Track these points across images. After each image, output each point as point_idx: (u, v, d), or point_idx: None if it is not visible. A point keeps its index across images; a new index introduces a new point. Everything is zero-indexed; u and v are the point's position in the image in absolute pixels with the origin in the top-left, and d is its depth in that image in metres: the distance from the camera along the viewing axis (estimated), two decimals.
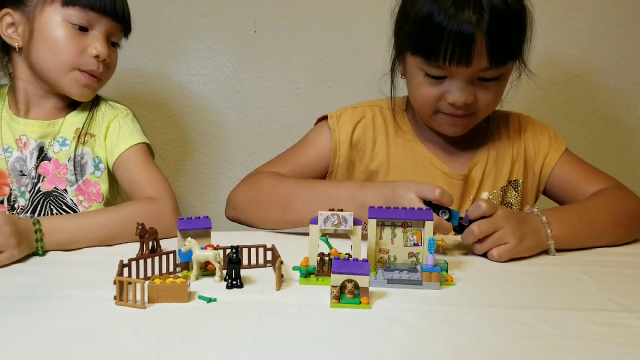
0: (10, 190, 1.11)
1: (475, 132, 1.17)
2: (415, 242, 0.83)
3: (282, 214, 1.03)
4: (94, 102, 1.19)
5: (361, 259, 0.73)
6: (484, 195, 0.96)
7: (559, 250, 0.94)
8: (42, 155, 1.13)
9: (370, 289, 0.72)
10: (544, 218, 0.94)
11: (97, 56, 1.08)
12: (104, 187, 1.15)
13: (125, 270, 0.74)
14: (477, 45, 0.97)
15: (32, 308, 0.69)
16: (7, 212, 1.11)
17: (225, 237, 0.90)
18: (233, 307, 0.70)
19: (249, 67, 1.68)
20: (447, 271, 0.82)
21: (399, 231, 0.83)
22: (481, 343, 0.62)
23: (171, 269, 0.81)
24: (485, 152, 1.18)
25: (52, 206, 1.12)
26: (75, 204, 1.13)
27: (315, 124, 1.24)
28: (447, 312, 0.70)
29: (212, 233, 0.84)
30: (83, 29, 1.07)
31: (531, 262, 0.91)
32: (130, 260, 0.75)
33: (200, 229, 0.82)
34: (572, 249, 0.96)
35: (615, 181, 1.14)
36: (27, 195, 1.11)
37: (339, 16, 1.65)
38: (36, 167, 1.12)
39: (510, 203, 1.18)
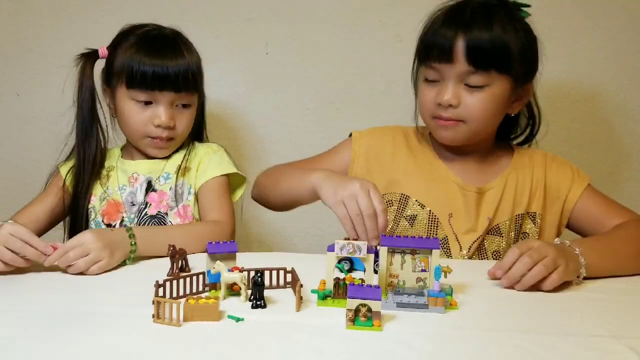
0: (123, 217, 1.30)
1: (496, 160, 1.28)
2: (423, 268, 0.90)
3: (273, 190, 1.28)
4: (192, 143, 1.39)
5: (373, 285, 0.81)
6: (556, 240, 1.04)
7: (586, 279, 1.00)
8: (150, 188, 1.32)
9: (382, 311, 0.80)
10: (577, 249, 1.01)
11: (159, 125, 1.26)
12: (195, 210, 1.33)
13: (160, 289, 0.81)
14: (456, 45, 1.13)
15: (79, 324, 0.77)
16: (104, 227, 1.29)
17: (248, 257, 0.98)
18: (259, 327, 0.77)
19: (260, 88, 1.75)
20: (451, 295, 0.89)
21: (408, 258, 0.90)
22: None
23: (200, 289, 0.88)
24: (504, 178, 1.26)
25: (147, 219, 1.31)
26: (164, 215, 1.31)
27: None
28: (450, 335, 0.77)
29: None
30: (148, 103, 1.26)
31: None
32: (165, 280, 0.83)
33: (227, 252, 0.90)
34: (600, 276, 1.03)
35: (636, 215, 1.21)
36: (136, 220, 1.30)
37: (347, 40, 1.72)
38: (144, 197, 1.31)
39: (527, 233, 1.25)
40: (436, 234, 1.23)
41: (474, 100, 1.16)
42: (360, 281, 0.87)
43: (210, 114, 1.74)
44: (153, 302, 0.77)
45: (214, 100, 1.74)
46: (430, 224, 1.24)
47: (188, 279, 0.87)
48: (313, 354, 0.71)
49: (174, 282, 0.85)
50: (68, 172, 1.34)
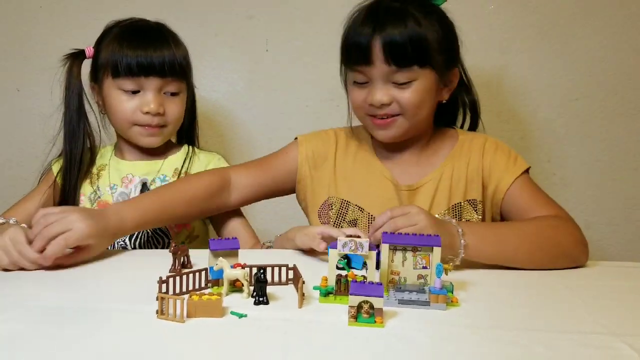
0: None
1: (436, 150, 1.29)
2: (424, 266, 0.91)
3: None
4: (191, 150, 1.40)
5: (375, 282, 0.82)
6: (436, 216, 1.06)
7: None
8: (144, 189, 1.30)
9: (384, 308, 0.80)
10: (459, 229, 1.02)
11: (148, 112, 1.26)
12: (195, 222, 1.35)
13: (164, 286, 0.82)
14: (372, 47, 1.15)
15: (82, 320, 0.77)
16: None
17: (251, 254, 0.98)
18: (261, 323, 0.78)
19: (259, 85, 1.76)
20: (452, 292, 0.90)
21: (409, 255, 0.91)
22: None
23: (203, 285, 0.89)
24: (440, 170, 1.27)
25: (147, 230, 1.29)
26: (167, 229, 1.32)
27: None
28: (451, 332, 0.77)
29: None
30: (135, 92, 1.26)
31: (529, 284, 0.99)
32: (168, 277, 0.83)
33: (229, 249, 0.90)
34: (484, 263, 1.04)
35: (561, 212, 1.18)
36: None
37: None
38: None
39: (469, 221, 1.25)
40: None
41: (404, 95, 1.18)
42: (362, 278, 0.87)
43: (209, 111, 1.75)
44: (157, 299, 0.78)
45: (214, 97, 1.76)
46: (370, 227, 1.24)
47: (191, 276, 0.87)
48: (315, 350, 0.71)
49: (177, 278, 0.85)
50: (59, 170, 1.34)
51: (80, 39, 1.37)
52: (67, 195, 1.31)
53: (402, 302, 0.85)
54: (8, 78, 1.79)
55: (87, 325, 0.76)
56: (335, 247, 0.87)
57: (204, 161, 1.38)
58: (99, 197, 1.32)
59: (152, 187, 1.32)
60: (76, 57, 1.32)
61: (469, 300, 0.89)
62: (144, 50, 1.24)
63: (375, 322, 0.78)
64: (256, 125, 1.78)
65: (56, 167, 1.35)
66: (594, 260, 1.13)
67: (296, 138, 1.36)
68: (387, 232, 0.92)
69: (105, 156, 1.38)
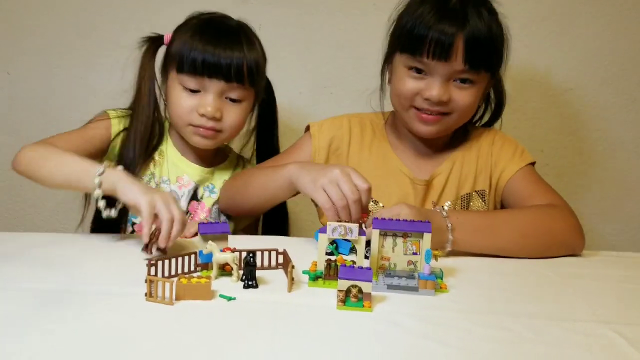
0: None
1: (448, 143, 1.28)
2: (414, 252, 0.91)
3: (245, 193, 1.22)
4: (240, 161, 1.39)
5: (365, 267, 0.82)
6: (446, 204, 1.06)
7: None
8: (195, 197, 1.30)
9: (372, 293, 0.80)
10: (448, 223, 1.02)
11: (203, 115, 1.20)
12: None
13: (152, 268, 0.82)
14: (455, 44, 1.11)
15: (73, 303, 0.77)
16: None
17: (238, 239, 0.98)
18: (250, 306, 0.78)
19: None
20: (442, 279, 0.90)
21: (399, 241, 0.91)
22: (469, 346, 0.70)
23: (192, 268, 0.89)
24: (452, 161, 1.27)
25: None
26: None
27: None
28: (439, 317, 0.78)
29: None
30: (196, 91, 1.20)
31: (517, 272, 0.99)
32: (157, 259, 0.83)
33: (219, 233, 0.90)
34: (474, 253, 1.04)
35: (559, 200, 1.18)
36: None
37: (342, 24, 1.71)
38: (187, 205, 1.29)
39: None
40: None
41: (462, 95, 1.16)
42: (351, 263, 0.88)
43: None
44: (145, 281, 0.77)
45: None
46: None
47: (180, 259, 0.87)
48: (304, 333, 0.71)
49: (166, 261, 0.85)
50: (117, 135, 1.27)
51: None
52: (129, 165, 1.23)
53: (391, 287, 0.85)
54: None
55: (77, 308, 0.76)
56: (325, 231, 0.87)
57: None
58: (156, 184, 1.28)
59: (199, 195, 1.30)
60: (154, 41, 1.28)
61: (458, 287, 0.89)
62: (212, 49, 1.18)
63: (363, 306, 0.78)
64: None
65: (116, 125, 1.28)
66: (585, 250, 1.13)
67: (308, 126, 1.33)
68: (377, 218, 0.92)
69: (165, 143, 1.32)
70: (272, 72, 1.73)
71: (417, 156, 1.29)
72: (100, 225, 1.24)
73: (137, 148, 1.24)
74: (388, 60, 1.25)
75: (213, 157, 1.34)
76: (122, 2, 1.69)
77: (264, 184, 1.17)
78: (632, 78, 1.72)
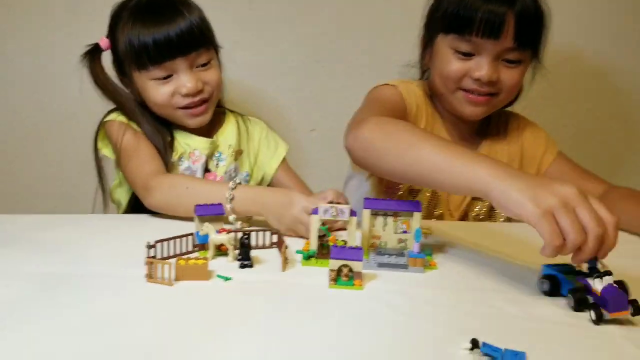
0: None
1: (479, 126, 1.29)
2: (404, 230, 0.94)
3: (394, 159, 0.93)
4: (240, 121, 1.38)
5: (355, 246, 0.85)
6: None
7: None
8: (205, 168, 1.29)
9: (363, 271, 0.84)
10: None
11: (187, 94, 1.20)
12: None
13: (152, 250, 0.85)
14: (506, 22, 1.10)
15: (74, 285, 0.80)
16: None
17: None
18: (246, 285, 0.82)
19: (242, 45, 1.72)
20: (431, 256, 0.94)
21: (390, 220, 0.94)
22: (457, 322, 0.73)
23: (190, 249, 0.92)
24: (487, 146, 1.29)
25: None
26: None
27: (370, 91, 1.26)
28: (428, 294, 0.81)
29: None
30: (167, 77, 1.19)
31: (509, 248, 1.02)
32: (156, 241, 0.86)
33: (214, 214, 0.93)
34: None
35: (604, 182, 1.23)
36: None
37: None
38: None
39: None
40: (435, 209, 1.26)
41: (510, 75, 1.16)
42: (343, 243, 0.91)
43: None
44: (145, 263, 0.81)
45: None
46: (431, 201, 1.26)
47: (178, 240, 0.90)
48: (297, 310, 0.75)
49: (165, 243, 0.88)
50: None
51: None
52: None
53: (381, 265, 0.89)
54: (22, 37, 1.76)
55: (79, 290, 0.79)
56: (317, 212, 0.89)
57: (253, 134, 1.38)
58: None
59: (210, 165, 1.29)
60: (93, 54, 1.25)
61: (447, 264, 0.93)
62: (157, 28, 1.15)
63: (354, 284, 0.81)
64: (238, 87, 1.75)
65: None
66: None
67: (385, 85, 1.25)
68: (369, 198, 0.94)
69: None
70: (263, 45, 1.73)
71: (461, 137, 1.29)
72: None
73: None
74: (429, 43, 1.23)
75: (211, 125, 1.32)
76: None
77: (433, 165, 0.86)
78: None
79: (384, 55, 1.68)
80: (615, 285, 0.72)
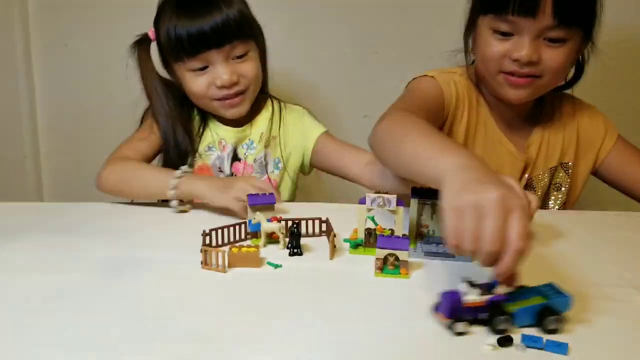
0: None
1: (531, 111, 1.25)
2: None
3: (395, 155, 0.95)
4: (277, 108, 1.37)
5: (402, 235, 0.87)
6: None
7: None
8: (235, 157, 1.32)
9: (410, 260, 0.85)
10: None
11: (222, 86, 1.22)
12: (282, 184, 1.36)
13: (207, 238, 0.89)
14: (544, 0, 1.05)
15: (133, 270, 0.86)
16: None
17: (285, 209, 1.06)
18: (295, 273, 0.85)
19: (296, 33, 1.74)
20: None
21: (438, 209, 0.95)
22: None
23: (242, 237, 0.96)
24: (540, 132, 1.25)
25: None
26: None
27: (409, 83, 1.26)
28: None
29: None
30: (203, 68, 1.23)
31: (556, 235, 1.01)
32: (211, 230, 0.91)
33: (266, 204, 0.97)
34: None
35: None
36: None
37: None
38: (230, 167, 1.32)
39: (559, 184, 1.26)
40: None
41: (553, 55, 1.11)
42: (389, 232, 0.93)
43: None
44: (201, 251, 0.85)
45: None
46: None
47: (232, 229, 0.94)
48: (343, 297, 0.78)
49: (219, 231, 0.93)
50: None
51: None
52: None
53: (428, 253, 0.90)
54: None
55: (141, 275, 0.85)
56: (364, 202, 0.92)
57: (287, 120, 1.36)
58: (199, 156, 1.31)
59: (240, 154, 1.32)
60: (141, 43, 1.29)
61: None
62: (191, 21, 1.18)
63: (400, 273, 0.84)
64: (289, 74, 1.73)
65: None
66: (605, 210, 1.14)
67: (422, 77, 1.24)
68: (415, 187, 0.95)
69: (197, 115, 1.33)
70: (316, 32, 1.73)
71: (509, 125, 1.25)
72: None
73: (179, 136, 1.28)
74: (471, 26, 1.21)
75: (251, 114, 1.34)
76: None
77: (413, 159, 0.86)
78: None
79: (439, 41, 1.66)
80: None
